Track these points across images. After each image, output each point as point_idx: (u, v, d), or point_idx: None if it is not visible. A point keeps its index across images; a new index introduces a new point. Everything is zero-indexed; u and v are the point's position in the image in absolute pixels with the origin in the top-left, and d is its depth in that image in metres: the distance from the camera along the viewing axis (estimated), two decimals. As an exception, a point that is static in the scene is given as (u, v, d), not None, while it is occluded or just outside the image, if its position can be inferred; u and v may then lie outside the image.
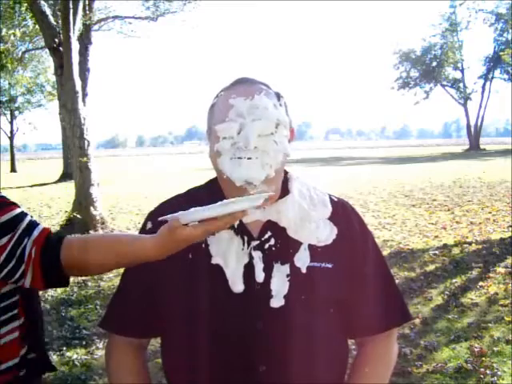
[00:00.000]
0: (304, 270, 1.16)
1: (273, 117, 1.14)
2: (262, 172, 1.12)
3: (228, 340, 1.14)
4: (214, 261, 1.16)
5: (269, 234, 1.18)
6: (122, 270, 1.32)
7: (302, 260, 1.17)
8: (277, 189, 1.21)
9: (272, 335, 1.14)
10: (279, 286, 1.15)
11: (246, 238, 1.17)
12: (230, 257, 1.16)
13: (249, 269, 1.15)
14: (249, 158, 1.11)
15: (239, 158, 1.12)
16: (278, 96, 1.21)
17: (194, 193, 1.30)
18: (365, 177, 18.10)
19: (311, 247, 1.19)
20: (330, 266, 1.18)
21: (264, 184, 1.14)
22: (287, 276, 1.15)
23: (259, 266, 1.15)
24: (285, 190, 1.23)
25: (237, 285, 1.14)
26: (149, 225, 1.26)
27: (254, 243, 1.17)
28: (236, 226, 1.18)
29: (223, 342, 1.14)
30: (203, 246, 1.18)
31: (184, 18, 16.73)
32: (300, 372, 1.15)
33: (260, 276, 1.15)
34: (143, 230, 1.27)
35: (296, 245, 1.18)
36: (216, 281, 1.15)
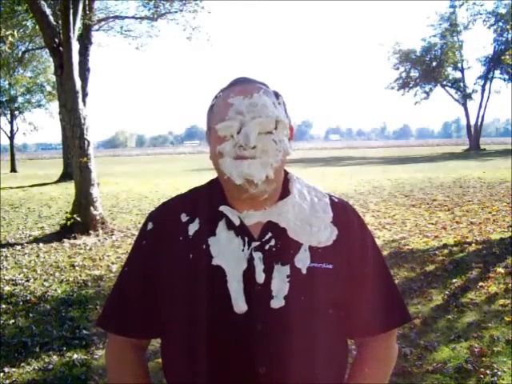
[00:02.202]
0: (304, 271, 1.16)
1: (272, 114, 1.14)
2: (262, 171, 1.13)
3: (228, 341, 1.14)
4: (214, 262, 1.16)
5: (269, 234, 1.18)
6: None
7: (303, 261, 1.17)
8: (277, 188, 1.21)
9: (272, 336, 1.13)
10: (279, 286, 1.14)
11: (246, 239, 1.17)
12: (231, 258, 1.16)
13: (249, 270, 1.15)
14: (250, 158, 1.12)
15: (240, 157, 1.12)
16: (277, 95, 1.22)
17: (194, 193, 1.30)
18: (365, 177, 18.10)
19: (311, 248, 1.19)
20: (330, 266, 1.18)
21: (264, 183, 1.14)
22: (287, 277, 1.15)
23: (260, 267, 1.15)
24: (285, 191, 1.23)
25: (237, 286, 1.14)
26: (149, 225, 1.26)
27: (255, 244, 1.17)
28: (237, 227, 1.18)
29: (223, 343, 1.14)
30: (204, 246, 1.18)
31: (184, 20, 16.59)
32: (300, 373, 1.14)
33: (260, 277, 1.15)
34: (144, 231, 1.27)
35: (296, 246, 1.18)
36: (216, 282, 1.15)
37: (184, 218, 1.22)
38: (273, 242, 1.17)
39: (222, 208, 1.19)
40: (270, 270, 1.15)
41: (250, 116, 1.13)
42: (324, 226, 1.21)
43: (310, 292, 1.15)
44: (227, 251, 1.16)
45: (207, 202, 1.22)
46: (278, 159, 1.15)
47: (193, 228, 1.20)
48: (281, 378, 1.13)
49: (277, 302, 1.13)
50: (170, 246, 1.20)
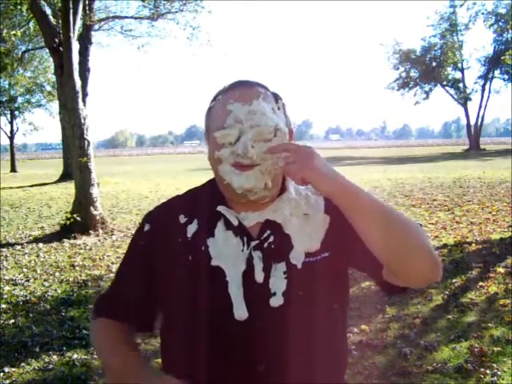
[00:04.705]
0: (300, 266, 1.16)
1: (271, 122, 1.14)
2: (261, 180, 1.13)
3: (227, 340, 1.15)
4: (213, 263, 1.16)
5: (268, 232, 1.18)
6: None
7: (297, 257, 1.17)
8: (277, 191, 1.21)
9: (271, 334, 1.14)
10: (277, 284, 1.15)
11: (245, 239, 1.17)
12: (230, 258, 1.16)
13: (249, 270, 1.15)
14: (248, 167, 1.12)
15: (239, 166, 1.12)
16: (276, 98, 1.21)
17: (193, 193, 1.29)
18: (365, 177, 18.10)
19: None
20: (327, 254, 1.19)
21: (263, 190, 1.15)
22: (284, 273, 1.16)
23: (259, 267, 1.15)
24: (282, 188, 1.23)
25: (237, 292, 1.14)
26: (146, 227, 1.25)
27: (254, 243, 1.17)
28: (235, 227, 1.18)
29: (223, 342, 1.15)
30: (203, 248, 1.17)
31: (185, 20, 16.52)
32: (299, 371, 1.15)
33: (260, 276, 1.15)
34: (140, 232, 1.26)
35: (291, 242, 1.18)
36: (216, 285, 1.15)
37: (182, 219, 1.22)
38: (271, 239, 1.18)
39: (220, 208, 1.20)
40: (269, 268, 1.16)
41: (248, 124, 1.12)
42: (315, 233, 1.20)
43: (308, 287, 1.16)
44: (226, 252, 1.16)
45: (206, 202, 1.22)
46: (277, 166, 1.15)
47: (191, 229, 1.20)
48: (280, 376, 1.13)
49: (276, 300, 1.14)
50: (168, 248, 1.20)
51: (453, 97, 41.66)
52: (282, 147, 1.12)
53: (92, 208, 9.01)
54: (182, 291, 1.17)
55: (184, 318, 1.18)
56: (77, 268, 6.49)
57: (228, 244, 1.17)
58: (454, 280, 5.31)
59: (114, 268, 6.30)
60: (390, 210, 1.11)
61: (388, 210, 1.10)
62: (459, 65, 41.07)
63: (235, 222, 1.18)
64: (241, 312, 1.13)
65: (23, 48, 22.61)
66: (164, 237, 1.21)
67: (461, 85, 41.10)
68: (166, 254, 1.20)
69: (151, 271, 1.21)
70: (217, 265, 1.16)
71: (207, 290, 1.15)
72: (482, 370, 3.38)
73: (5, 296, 5.40)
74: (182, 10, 16.72)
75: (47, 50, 11.01)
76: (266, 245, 1.17)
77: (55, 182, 21.29)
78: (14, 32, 12.27)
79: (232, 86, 1.20)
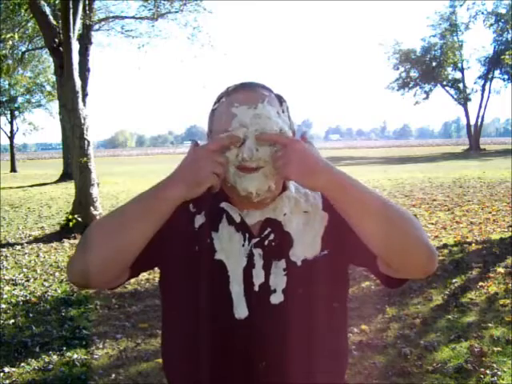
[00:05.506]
0: (299, 264, 1.17)
1: (276, 127, 1.14)
2: (264, 183, 1.14)
3: (228, 338, 1.15)
4: (217, 256, 1.17)
5: (268, 230, 1.19)
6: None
7: (297, 255, 1.18)
8: (278, 190, 1.22)
9: (272, 331, 1.14)
10: (278, 281, 1.16)
11: (246, 235, 1.18)
12: (232, 254, 1.17)
13: (249, 266, 1.16)
14: (253, 170, 1.13)
15: (244, 168, 1.13)
16: (280, 100, 1.22)
17: None
18: (365, 177, 18.11)
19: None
20: (326, 252, 1.19)
21: (266, 192, 1.16)
22: (284, 270, 1.16)
23: (259, 264, 1.16)
24: (283, 186, 1.24)
25: (238, 289, 1.15)
26: None
27: (254, 240, 1.18)
28: (237, 223, 1.19)
29: (224, 340, 1.15)
30: (208, 240, 1.19)
31: (185, 20, 16.50)
32: (299, 368, 1.15)
33: (260, 273, 1.16)
34: None
35: (291, 239, 1.19)
36: (218, 277, 1.16)
37: (192, 208, 1.23)
38: (272, 237, 1.19)
39: (224, 205, 1.21)
40: (269, 266, 1.17)
41: (253, 128, 1.13)
42: (313, 239, 1.20)
43: (307, 285, 1.16)
44: (228, 247, 1.18)
45: (211, 197, 1.22)
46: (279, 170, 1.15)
47: (199, 220, 1.21)
48: (280, 373, 1.14)
49: (276, 297, 1.15)
50: (177, 232, 1.19)
51: (453, 97, 41.68)
52: (274, 138, 1.12)
53: (92, 208, 9.01)
54: (184, 284, 1.18)
55: (184, 314, 1.18)
56: (77, 268, 6.48)
57: (230, 239, 1.18)
58: (454, 280, 5.32)
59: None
60: (389, 205, 1.09)
61: (387, 205, 1.09)
62: (459, 65, 41.07)
63: (237, 219, 1.19)
64: (241, 311, 1.14)
65: (23, 48, 22.60)
66: (175, 220, 1.15)
67: (461, 85, 41.10)
68: (175, 236, 1.18)
69: (160, 245, 1.16)
70: (220, 259, 1.17)
71: (209, 286, 1.15)
72: (482, 369, 3.38)
73: (5, 296, 5.40)
74: (182, 11, 16.71)
75: (47, 50, 11.00)
76: (266, 242, 1.18)
77: (55, 182, 21.29)
78: (10, 34, 12.25)
79: (236, 89, 1.20)
